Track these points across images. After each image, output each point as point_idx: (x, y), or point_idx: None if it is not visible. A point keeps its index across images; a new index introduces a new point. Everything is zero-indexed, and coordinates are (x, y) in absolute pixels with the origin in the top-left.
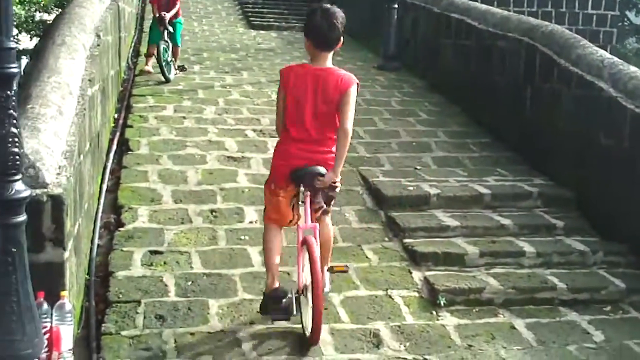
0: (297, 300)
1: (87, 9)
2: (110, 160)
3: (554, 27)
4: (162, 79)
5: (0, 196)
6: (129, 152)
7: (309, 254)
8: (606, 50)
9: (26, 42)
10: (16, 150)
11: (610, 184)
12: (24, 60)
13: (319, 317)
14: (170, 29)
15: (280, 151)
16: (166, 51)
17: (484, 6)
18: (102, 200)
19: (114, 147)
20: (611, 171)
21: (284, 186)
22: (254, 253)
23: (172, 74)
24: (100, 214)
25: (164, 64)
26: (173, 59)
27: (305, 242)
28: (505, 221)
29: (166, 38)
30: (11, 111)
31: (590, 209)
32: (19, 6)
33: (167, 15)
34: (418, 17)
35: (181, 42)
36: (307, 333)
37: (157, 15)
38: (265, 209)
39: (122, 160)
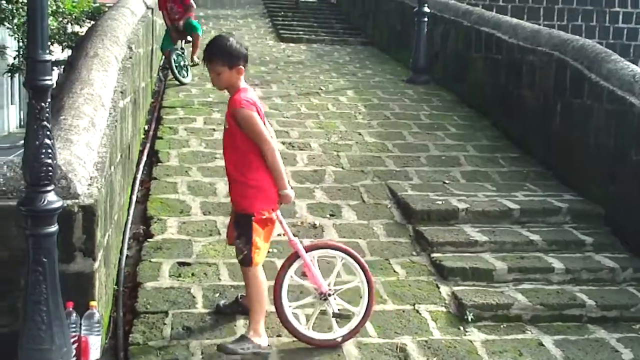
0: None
1: (119, 22)
2: (140, 172)
3: (585, 41)
4: (193, 91)
5: (32, 206)
6: (159, 164)
7: (346, 252)
8: (637, 64)
9: (58, 53)
10: (49, 161)
11: None
12: (56, 72)
13: (373, 300)
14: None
15: (268, 177)
16: (180, 57)
17: (514, 20)
18: (131, 211)
19: (144, 158)
20: None
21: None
22: None
23: (189, 79)
24: (129, 225)
25: (176, 68)
26: (189, 63)
27: (330, 246)
28: (534, 237)
29: (179, 46)
30: (45, 122)
31: (621, 225)
32: (51, 18)
33: (180, 24)
34: (448, 30)
35: (202, 31)
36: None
37: (170, 24)
38: (250, 252)
39: (152, 172)
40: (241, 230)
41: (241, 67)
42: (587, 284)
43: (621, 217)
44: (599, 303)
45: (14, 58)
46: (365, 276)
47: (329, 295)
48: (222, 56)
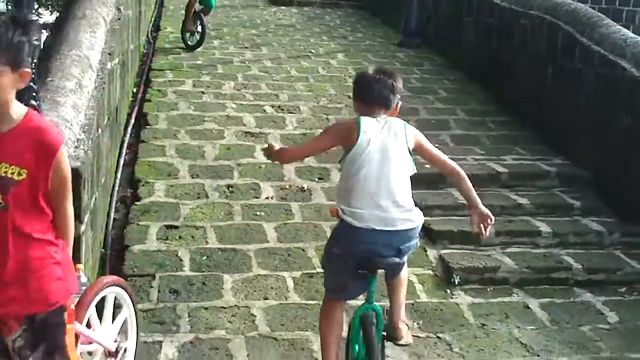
0: None
1: None
2: (128, 135)
3: (577, 5)
4: (182, 54)
5: None
6: (147, 127)
7: (116, 284)
8: (629, 29)
9: (46, 15)
10: None
11: (630, 164)
12: (44, 34)
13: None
14: None
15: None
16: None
17: None
18: (119, 174)
19: (132, 121)
20: (631, 151)
21: None
22: (269, 229)
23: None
24: (117, 188)
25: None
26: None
27: (103, 287)
28: (522, 200)
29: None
30: (31, 84)
31: (609, 189)
32: None
33: None
34: None
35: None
36: None
37: None
38: None
39: (140, 135)
40: (50, 342)
41: (28, 69)
42: (574, 247)
43: (610, 182)
44: (585, 266)
45: None
46: (133, 306)
47: (119, 349)
48: (8, 48)
